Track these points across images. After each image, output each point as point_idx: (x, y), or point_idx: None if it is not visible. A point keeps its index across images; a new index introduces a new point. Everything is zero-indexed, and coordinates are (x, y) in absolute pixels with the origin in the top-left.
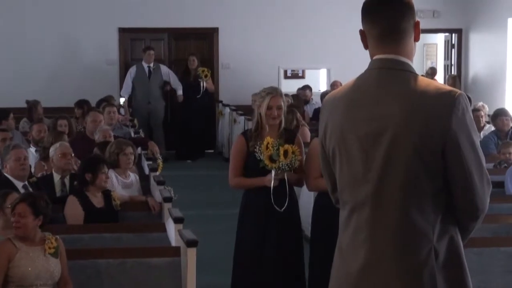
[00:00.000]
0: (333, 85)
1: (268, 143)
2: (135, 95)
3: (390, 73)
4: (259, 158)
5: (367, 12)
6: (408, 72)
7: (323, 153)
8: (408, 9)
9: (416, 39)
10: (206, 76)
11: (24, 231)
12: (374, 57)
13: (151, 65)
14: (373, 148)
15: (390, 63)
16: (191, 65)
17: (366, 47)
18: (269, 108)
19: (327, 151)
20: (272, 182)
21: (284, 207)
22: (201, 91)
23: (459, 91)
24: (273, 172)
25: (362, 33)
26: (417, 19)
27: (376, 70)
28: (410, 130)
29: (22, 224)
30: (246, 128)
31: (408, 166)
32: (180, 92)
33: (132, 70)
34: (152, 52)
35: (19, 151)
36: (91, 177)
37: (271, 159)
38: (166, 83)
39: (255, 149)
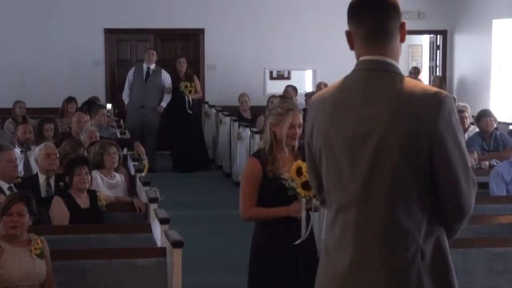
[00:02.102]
0: (319, 86)
1: (299, 167)
2: (130, 97)
3: (376, 74)
4: (288, 186)
5: (353, 13)
6: (394, 73)
7: (310, 153)
8: (394, 10)
9: (402, 40)
10: (190, 92)
11: (21, 230)
12: (360, 58)
13: (152, 66)
14: (359, 148)
15: (376, 64)
16: (180, 67)
17: (352, 48)
18: (291, 127)
19: (314, 151)
20: (303, 212)
21: (305, 237)
22: (187, 106)
23: (445, 93)
24: (303, 201)
25: (348, 33)
26: (403, 20)
27: (363, 71)
28: (396, 131)
29: (21, 224)
30: (254, 148)
31: (395, 167)
32: (163, 104)
33: (131, 71)
34: (152, 52)
35: (11, 152)
36: (69, 179)
37: (305, 187)
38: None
39: (281, 175)
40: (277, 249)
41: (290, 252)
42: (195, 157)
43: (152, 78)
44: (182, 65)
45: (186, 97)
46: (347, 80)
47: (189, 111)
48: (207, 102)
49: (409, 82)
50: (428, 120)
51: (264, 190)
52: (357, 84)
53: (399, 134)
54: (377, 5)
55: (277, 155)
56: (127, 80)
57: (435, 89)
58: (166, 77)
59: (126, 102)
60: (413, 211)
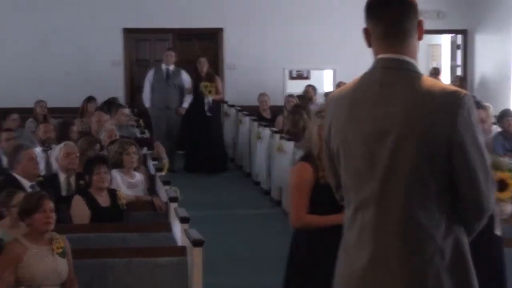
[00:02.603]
0: (339, 86)
1: None
2: (152, 99)
3: (394, 72)
4: None
5: (370, 10)
6: (412, 72)
7: (328, 152)
8: (411, 8)
9: (420, 38)
10: (210, 92)
11: (52, 227)
12: (378, 56)
13: (171, 67)
14: (377, 147)
15: (394, 62)
16: (201, 67)
17: (369, 45)
18: None
19: (332, 149)
20: None
21: None
22: (206, 107)
23: (464, 91)
24: None
25: (365, 31)
26: (420, 18)
27: (380, 69)
28: (414, 129)
29: (53, 220)
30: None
31: (413, 165)
32: (185, 105)
33: (150, 73)
34: (171, 53)
35: (31, 151)
36: (88, 178)
37: None
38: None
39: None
40: (328, 260)
41: None
42: (210, 161)
43: (173, 79)
44: (203, 64)
45: (205, 97)
46: (365, 78)
47: (207, 113)
48: (226, 102)
49: (427, 80)
50: (447, 119)
51: (315, 197)
52: (374, 82)
53: (416, 133)
54: (395, 3)
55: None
56: (147, 82)
57: (454, 87)
58: (186, 78)
59: (147, 105)
60: (431, 210)
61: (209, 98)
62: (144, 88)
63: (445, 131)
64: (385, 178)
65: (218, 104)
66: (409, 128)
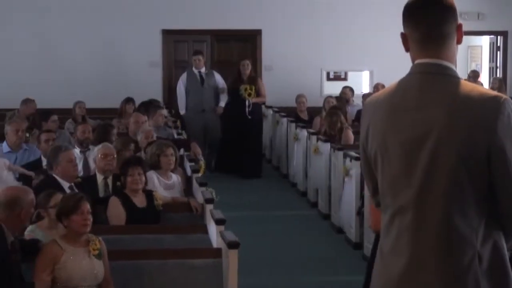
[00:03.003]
0: (376, 87)
1: None
2: (187, 104)
3: (432, 77)
4: None
5: (408, 15)
6: (451, 77)
7: (365, 156)
8: (450, 12)
9: (459, 42)
10: (249, 95)
11: (90, 229)
12: (416, 61)
13: (203, 70)
14: (415, 153)
15: (432, 67)
16: (245, 70)
17: (407, 50)
18: None
19: (369, 154)
20: None
21: None
22: (247, 110)
23: (504, 96)
24: None
25: (403, 36)
26: (459, 21)
27: (419, 74)
28: (453, 135)
29: (91, 222)
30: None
31: (452, 171)
32: (222, 104)
33: (183, 78)
34: (200, 57)
35: (70, 152)
36: (123, 180)
37: None
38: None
39: None
40: None
41: None
42: (245, 166)
43: (208, 81)
44: (246, 67)
45: (246, 101)
46: (403, 83)
47: (248, 116)
48: (264, 103)
49: (466, 85)
50: (486, 125)
51: None
52: (412, 88)
53: (456, 138)
54: (433, 7)
55: None
56: (181, 88)
57: (493, 92)
58: (219, 78)
59: (182, 112)
60: (469, 215)
61: (249, 101)
62: (178, 95)
63: (484, 136)
64: (423, 184)
65: (259, 107)
66: (448, 133)
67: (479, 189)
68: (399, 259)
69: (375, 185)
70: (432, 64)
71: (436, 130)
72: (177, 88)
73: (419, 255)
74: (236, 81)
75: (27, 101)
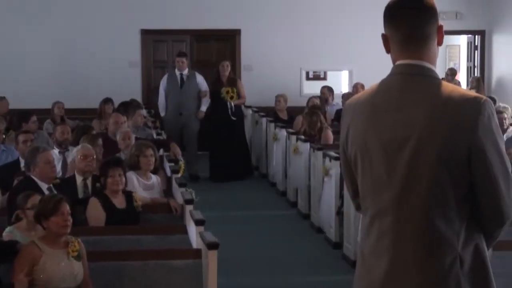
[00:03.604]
0: (355, 86)
1: None
2: (166, 106)
3: (413, 78)
4: None
5: (389, 16)
6: (432, 78)
7: (345, 158)
8: (431, 13)
9: (440, 43)
10: (232, 97)
11: (69, 230)
12: (397, 62)
13: (185, 72)
14: (396, 154)
15: (413, 68)
16: (224, 71)
17: (388, 51)
18: None
19: (349, 155)
20: None
21: None
22: (230, 112)
23: (484, 97)
24: None
25: (384, 37)
26: (440, 23)
27: (400, 75)
28: (434, 136)
29: (71, 223)
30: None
31: (432, 173)
32: (203, 108)
33: (164, 80)
34: (183, 59)
35: (48, 153)
36: (103, 181)
37: None
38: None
39: None
40: None
41: None
42: (236, 166)
43: (188, 84)
44: (226, 68)
45: (228, 103)
46: (383, 84)
47: (232, 117)
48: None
49: (447, 86)
50: (467, 126)
51: None
52: (393, 89)
53: (436, 140)
54: (414, 8)
55: None
56: (161, 89)
57: (474, 93)
58: (201, 81)
59: (162, 114)
60: (451, 217)
61: (231, 104)
62: (159, 97)
63: (465, 137)
64: (404, 185)
65: (240, 108)
66: (429, 134)
67: (460, 190)
68: (380, 262)
69: (355, 187)
70: (413, 65)
71: (417, 131)
72: (159, 90)
73: (400, 257)
74: (216, 83)
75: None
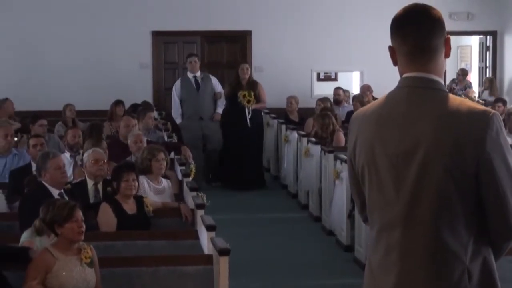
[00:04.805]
0: (362, 88)
1: None
2: (183, 112)
3: (421, 91)
4: None
5: (396, 29)
6: (439, 91)
7: (352, 170)
8: (438, 26)
9: (447, 55)
10: (249, 101)
11: (83, 236)
12: (404, 75)
13: (198, 74)
14: (404, 168)
15: (421, 81)
16: (244, 74)
17: (395, 63)
18: None
19: (356, 168)
20: None
21: None
22: (247, 118)
23: (492, 111)
24: None
25: (391, 49)
26: (447, 35)
27: (407, 88)
28: (442, 150)
29: (84, 230)
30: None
31: (440, 187)
32: (219, 110)
33: (177, 85)
34: (195, 59)
35: (58, 159)
36: (116, 185)
37: None
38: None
39: None
40: None
41: None
42: (248, 176)
43: (204, 86)
44: (245, 71)
45: (246, 108)
46: (391, 97)
47: (248, 124)
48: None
49: (454, 100)
50: (475, 139)
51: None
52: (401, 102)
53: (444, 153)
54: (421, 21)
55: None
56: (174, 96)
57: (481, 107)
58: (216, 82)
59: (178, 121)
60: (459, 231)
61: (249, 108)
62: (174, 104)
63: (473, 151)
64: (411, 199)
65: (260, 113)
66: (437, 148)
67: (468, 204)
68: (388, 277)
69: (363, 200)
70: (421, 78)
71: (424, 144)
72: (172, 96)
73: (408, 271)
74: (235, 87)
75: (2, 102)
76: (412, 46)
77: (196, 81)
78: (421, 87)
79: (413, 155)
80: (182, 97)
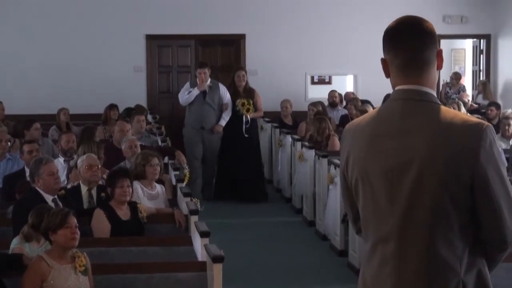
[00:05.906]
0: (346, 96)
1: None
2: (186, 120)
3: (414, 104)
4: None
5: (389, 42)
6: (433, 103)
7: (345, 182)
8: (430, 38)
9: (439, 67)
10: (248, 110)
11: (77, 243)
12: (397, 88)
13: (207, 82)
14: (398, 181)
15: (413, 94)
16: (240, 81)
17: (387, 75)
18: None
19: (349, 181)
20: None
21: None
22: (244, 128)
23: (486, 123)
24: None
25: (383, 62)
26: (439, 47)
27: (400, 101)
28: (436, 162)
29: (78, 236)
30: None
31: (435, 199)
32: (222, 122)
33: (187, 85)
34: (204, 70)
35: (51, 165)
36: (110, 191)
37: None
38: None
39: None
40: None
41: None
42: (245, 188)
43: (211, 95)
44: (242, 78)
45: (243, 116)
46: (384, 109)
47: (245, 134)
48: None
49: (448, 112)
50: (469, 152)
51: None
52: (394, 115)
53: (438, 166)
54: (414, 34)
55: None
56: (187, 86)
57: (475, 119)
58: (224, 92)
59: (182, 103)
60: (454, 243)
61: (247, 117)
62: (182, 90)
63: (467, 164)
64: (406, 212)
65: (256, 122)
66: (431, 161)
67: (463, 216)
68: None
69: (356, 212)
70: (413, 90)
71: (418, 157)
72: (184, 86)
73: (403, 284)
74: (232, 94)
75: None
76: (404, 59)
77: (203, 90)
78: (414, 100)
79: (408, 168)
80: (188, 104)
